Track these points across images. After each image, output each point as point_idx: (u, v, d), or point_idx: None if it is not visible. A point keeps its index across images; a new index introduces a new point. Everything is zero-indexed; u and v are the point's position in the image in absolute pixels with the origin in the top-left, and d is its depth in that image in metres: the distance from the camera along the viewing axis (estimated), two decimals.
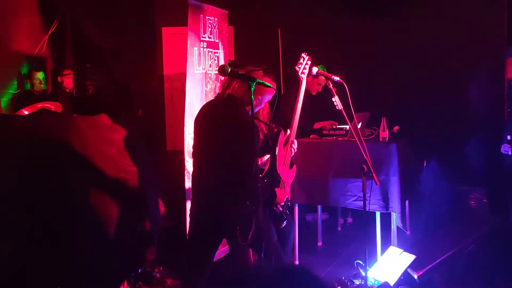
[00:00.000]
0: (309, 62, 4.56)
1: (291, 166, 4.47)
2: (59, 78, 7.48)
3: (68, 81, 7.49)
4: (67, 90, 7.48)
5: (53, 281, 3.50)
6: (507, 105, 7.22)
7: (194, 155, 3.97)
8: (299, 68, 4.53)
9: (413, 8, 7.38)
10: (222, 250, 5.18)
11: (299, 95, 4.50)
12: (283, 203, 4.14)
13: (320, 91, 6.52)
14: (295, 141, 4.46)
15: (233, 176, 3.62)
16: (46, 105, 6.08)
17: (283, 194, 4.12)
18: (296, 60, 4.46)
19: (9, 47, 7.25)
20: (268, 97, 4.11)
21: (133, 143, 4.07)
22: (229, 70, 3.35)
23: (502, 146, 6.08)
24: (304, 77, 4.54)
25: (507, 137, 6.00)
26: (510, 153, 5.99)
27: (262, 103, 4.13)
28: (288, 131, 4.39)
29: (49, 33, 7.70)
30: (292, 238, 4.86)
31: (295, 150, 4.45)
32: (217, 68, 5.69)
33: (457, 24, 7.30)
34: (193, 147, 4.00)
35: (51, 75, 7.83)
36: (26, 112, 6.03)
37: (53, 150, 3.61)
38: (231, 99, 3.79)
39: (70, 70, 7.58)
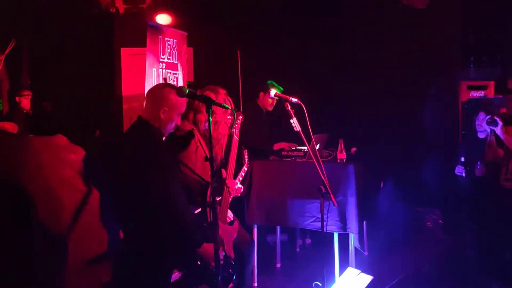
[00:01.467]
0: (241, 117, 4.50)
1: (231, 223, 4.25)
2: (17, 98, 7.38)
3: (26, 102, 7.40)
4: (24, 111, 7.37)
5: None
6: (461, 127, 7.40)
7: None
8: (230, 120, 4.39)
9: (370, 32, 7.55)
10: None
11: (233, 148, 4.39)
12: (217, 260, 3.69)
13: (274, 104, 6.53)
14: (236, 185, 4.36)
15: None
16: (1, 125, 5.98)
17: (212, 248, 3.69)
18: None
19: None
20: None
21: (90, 164, 4.02)
22: (187, 91, 3.34)
23: (456, 167, 6.21)
24: (234, 133, 4.44)
25: (461, 159, 6.13)
26: (464, 174, 6.11)
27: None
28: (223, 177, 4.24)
29: (6, 52, 7.58)
30: (252, 262, 4.82)
31: (234, 193, 4.30)
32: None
33: (413, 48, 7.48)
34: None
35: (7, 95, 7.70)
36: None
37: (7, 170, 3.54)
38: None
39: (29, 91, 7.49)
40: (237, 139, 4.41)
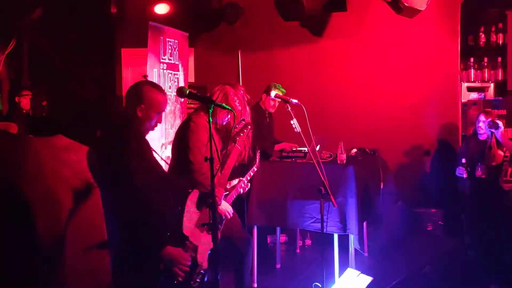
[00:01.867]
0: (249, 127, 4.38)
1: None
2: (16, 98, 7.38)
3: (25, 102, 7.39)
4: (24, 111, 7.36)
5: None
6: (462, 129, 7.40)
7: None
8: (236, 128, 4.28)
9: (370, 33, 7.55)
10: None
11: (232, 157, 4.27)
12: (182, 266, 3.44)
13: (276, 106, 6.57)
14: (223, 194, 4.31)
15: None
16: (5, 125, 6.00)
17: (178, 252, 3.45)
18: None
19: None
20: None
21: (90, 163, 4.01)
22: (187, 92, 3.34)
23: (457, 169, 6.21)
24: (237, 141, 4.32)
25: (461, 160, 6.13)
26: (465, 176, 6.11)
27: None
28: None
29: (6, 53, 7.59)
30: (250, 260, 4.83)
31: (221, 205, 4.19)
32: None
33: (413, 49, 7.49)
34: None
35: (8, 95, 7.71)
36: None
37: (7, 171, 3.54)
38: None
39: (28, 91, 7.48)
40: (239, 148, 4.33)
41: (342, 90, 7.62)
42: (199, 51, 7.89)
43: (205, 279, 3.66)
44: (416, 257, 6.16)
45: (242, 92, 4.40)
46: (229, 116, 4.38)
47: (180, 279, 3.46)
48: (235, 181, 4.65)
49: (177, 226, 3.59)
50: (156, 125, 3.56)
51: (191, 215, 3.69)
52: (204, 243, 3.71)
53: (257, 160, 4.82)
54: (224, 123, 4.42)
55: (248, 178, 4.71)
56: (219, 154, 4.21)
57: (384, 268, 5.77)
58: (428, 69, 7.45)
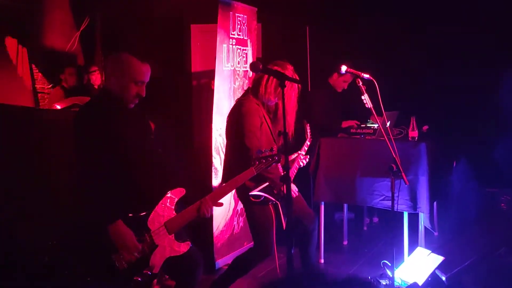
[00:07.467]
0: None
1: (183, 239, 3.53)
2: (86, 76, 7.59)
3: (94, 78, 7.59)
4: (95, 87, 7.56)
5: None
6: None
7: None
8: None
9: (444, 8, 7.31)
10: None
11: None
12: (129, 253, 3.19)
13: (346, 88, 6.52)
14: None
15: None
16: (78, 100, 6.19)
17: (130, 235, 3.19)
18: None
19: (42, 43, 7.36)
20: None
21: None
22: (261, 66, 3.34)
23: None
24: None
25: None
26: None
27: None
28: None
29: (81, 29, 7.79)
30: (316, 236, 4.84)
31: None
32: (245, 65, 5.73)
33: (486, 22, 7.19)
34: None
35: (82, 71, 7.93)
36: (58, 107, 6.15)
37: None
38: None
39: (96, 67, 7.67)
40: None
41: (414, 66, 7.41)
42: (266, 27, 7.85)
43: (149, 284, 3.27)
44: (489, 238, 6.00)
45: (291, 72, 4.32)
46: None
47: (119, 266, 3.16)
48: (294, 155, 4.70)
49: (143, 210, 3.32)
50: (137, 96, 3.38)
51: (164, 211, 3.39)
52: (165, 247, 3.36)
53: (308, 134, 4.80)
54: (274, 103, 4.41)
55: (305, 149, 4.75)
56: (274, 135, 4.27)
57: (456, 248, 5.64)
58: (502, 41, 7.13)
